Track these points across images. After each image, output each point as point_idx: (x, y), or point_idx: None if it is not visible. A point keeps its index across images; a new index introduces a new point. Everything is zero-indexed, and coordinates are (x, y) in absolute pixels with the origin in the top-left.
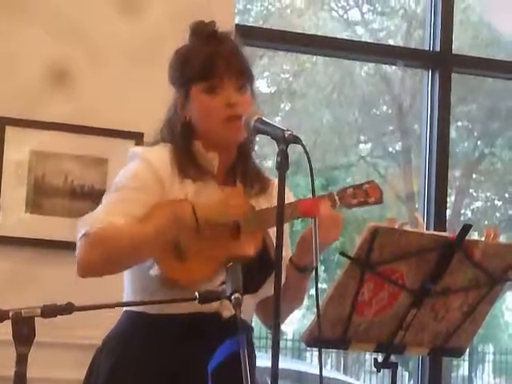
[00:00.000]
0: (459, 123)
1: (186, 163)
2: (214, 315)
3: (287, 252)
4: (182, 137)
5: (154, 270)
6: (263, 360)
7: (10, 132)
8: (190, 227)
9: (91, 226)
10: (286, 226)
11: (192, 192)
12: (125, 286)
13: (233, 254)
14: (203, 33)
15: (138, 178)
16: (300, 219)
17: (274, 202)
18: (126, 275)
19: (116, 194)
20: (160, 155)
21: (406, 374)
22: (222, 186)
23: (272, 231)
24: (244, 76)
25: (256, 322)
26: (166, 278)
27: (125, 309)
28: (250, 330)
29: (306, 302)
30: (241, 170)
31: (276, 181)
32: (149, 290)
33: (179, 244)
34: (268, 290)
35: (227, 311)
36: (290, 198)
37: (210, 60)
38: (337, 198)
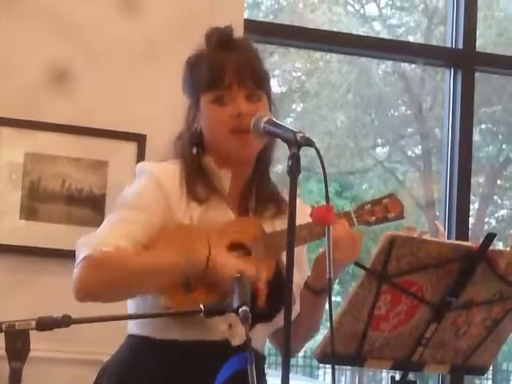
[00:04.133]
0: (483, 126)
1: (195, 181)
2: (223, 343)
3: (303, 276)
4: (191, 150)
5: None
6: (273, 378)
7: (3, 133)
8: (198, 270)
9: (94, 249)
10: (303, 249)
11: (197, 216)
12: (128, 306)
13: None
14: (214, 39)
15: (143, 196)
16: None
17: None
18: None
19: (120, 213)
20: (169, 172)
21: None
22: (233, 210)
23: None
24: (256, 84)
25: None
26: (168, 309)
27: (128, 333)
28: (261, 358)
29: None
30: (256, 190)
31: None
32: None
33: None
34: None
35: (236, 339)
36: (304, 213)
37: (218, 68)
38: (354, 216)
